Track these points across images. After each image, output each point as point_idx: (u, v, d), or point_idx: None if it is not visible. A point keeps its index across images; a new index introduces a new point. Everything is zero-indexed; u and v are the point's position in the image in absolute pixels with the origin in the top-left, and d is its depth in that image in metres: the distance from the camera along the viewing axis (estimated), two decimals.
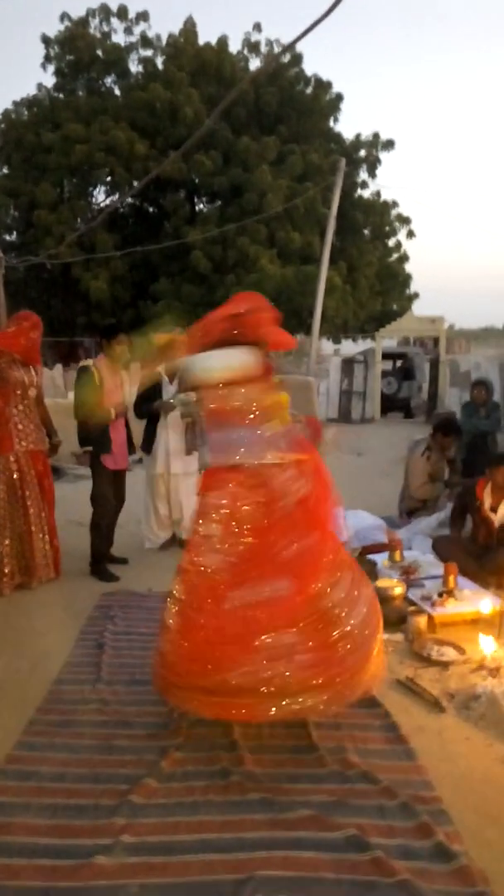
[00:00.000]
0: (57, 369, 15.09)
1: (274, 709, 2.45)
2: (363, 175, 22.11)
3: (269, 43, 22.02)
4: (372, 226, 22.29)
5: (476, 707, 2.87)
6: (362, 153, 21.93)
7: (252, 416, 2.75)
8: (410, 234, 23.15)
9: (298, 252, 19.18)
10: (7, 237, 22.31)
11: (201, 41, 21.55)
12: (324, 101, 21.71)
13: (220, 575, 2.59)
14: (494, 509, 4.48)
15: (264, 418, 2.77)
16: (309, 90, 21.65)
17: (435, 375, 14.71)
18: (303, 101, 21.28)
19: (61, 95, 21.85)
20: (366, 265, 21.08)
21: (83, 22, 21.61)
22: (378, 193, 22.48)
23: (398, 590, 3.84)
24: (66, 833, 2.15)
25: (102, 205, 21.89)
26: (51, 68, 21.93)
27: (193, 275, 19.42)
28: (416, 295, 23.94)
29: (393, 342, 17.67)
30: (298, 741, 2.66)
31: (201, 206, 22.16)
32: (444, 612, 3.75)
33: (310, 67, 27.38)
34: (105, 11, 21.67)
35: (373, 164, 22.04)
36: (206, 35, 23.66)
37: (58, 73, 21.90)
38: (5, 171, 21.61)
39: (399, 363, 16.77)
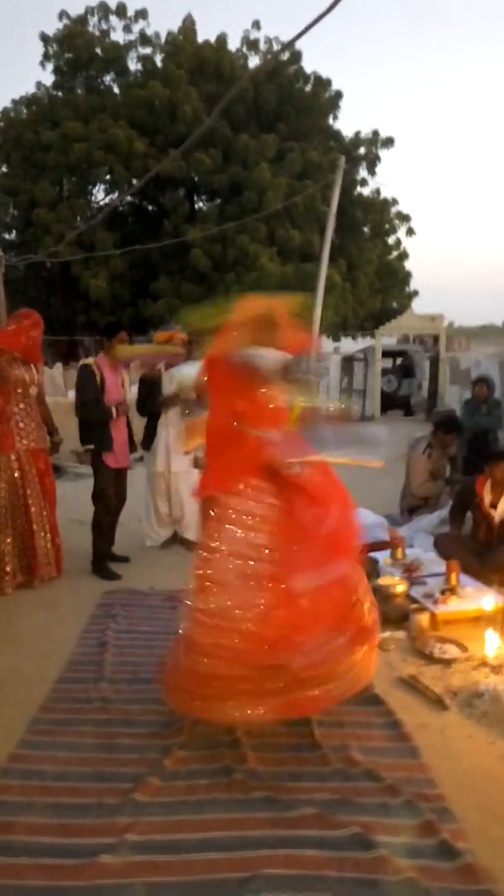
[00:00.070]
0: (57, 368, 15.06)
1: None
2: (363, 173, 22.09)
3: (269, 41, 21.99)
4: (371, 223, 22.27)
5: (479, 705, 2.87)
6: (362, 151, 21.90)
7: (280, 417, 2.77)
8: (410, 232, 23.13)
9: (298, 250, 19.15)
10: (6, 236, 22.28)
11: (200, 39, 21.51)
12: (323, 98, 21.67)
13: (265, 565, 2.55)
14: (494, 506, 4.49)
15: (287, 421, 2.78)
16: (308, 88, 21.62)
17: (435, 373, 14.69)
18: (302, 99, 21.24)
19: (60, 94, 21.80)
20: (365, 263, 21.07)
21: (82, 20, 21.56)
22: (378, 191, 22.48)
23: (400, 587, 3.84)
24: (69, 832, 2.15)
25: (102, 203, 21.87)
26: (49, 66, 21.90)
27: (193, 273, 19.40)
28: (415, 293, 23.92)
29: (392, 340, 17.62)
30: (301, 739, 2.66)
31: (201, 204, 22.14)
32: (446, 609, 3.75)
33: (309, 65, 27.38)
34: (104, 9, 21.62)
35: (372, 162, 22.01)
36: (205, 33, 23.65)
37: (56, 71, 21.86)
38: (4, 169, 21.57)
39: (399, 361, 16.75)
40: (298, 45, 22.17)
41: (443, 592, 3.87)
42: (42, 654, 3.48)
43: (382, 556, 4.47)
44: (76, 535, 5.13)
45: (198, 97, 19.65)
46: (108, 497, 4.72)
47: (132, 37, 21.82)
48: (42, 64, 21.96)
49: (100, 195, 22.51)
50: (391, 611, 3.73)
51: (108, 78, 22.04)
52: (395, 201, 22.66)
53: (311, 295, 11.93)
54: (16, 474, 4.34)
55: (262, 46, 21.93)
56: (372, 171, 22.14)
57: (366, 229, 22.18)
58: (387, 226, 22.81)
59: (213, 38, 21.35)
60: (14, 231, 22.38)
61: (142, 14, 21.79)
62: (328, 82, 21.72)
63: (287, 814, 2.23)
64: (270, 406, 2.73)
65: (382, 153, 22.02)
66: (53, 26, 30.85)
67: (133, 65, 21.93)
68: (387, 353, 16.11)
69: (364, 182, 22.14)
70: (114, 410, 4.59)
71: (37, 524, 4.41)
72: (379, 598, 3.72)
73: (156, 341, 5.33)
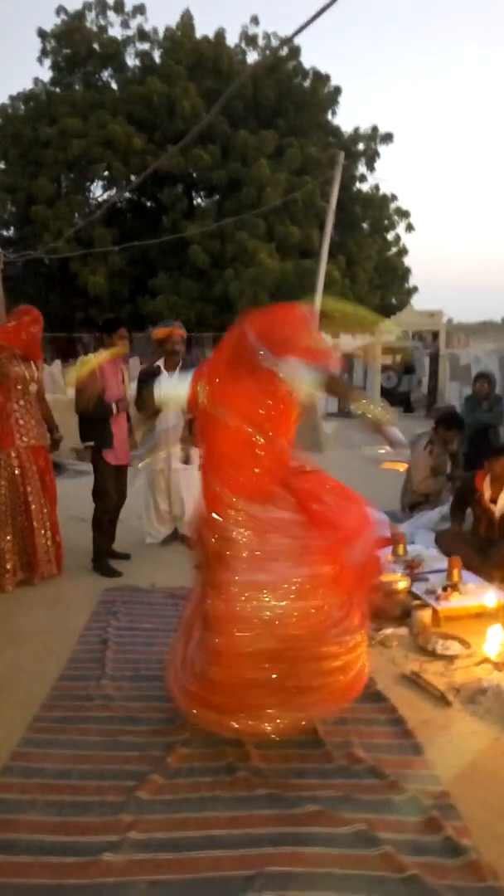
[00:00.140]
0: (56, 365, 15.02)
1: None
2: (362, 168, 22.08)
3: (267, 36, 21.96)
4: (371, 219, 22.28)
5: (482, 701, 2.86)
6: (361, 146, 21.88)
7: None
8: (409, 228, 23.13)
9: (297, 246, 19.15)
10: (4, 232, 22.28)
11: (198, 34, 21.46)
12: (322, 94, 21.66)
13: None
14: (494, 501, 4.48)
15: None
16: (307, 83, 21.59)
17: (434, 369, 14.68)
18: (301, 95, 21.23)
19: (58, 90, 21.77)
20: (364, 259, 21.07)
21: (79, 16, 21.52)
22: (377, 187, 22.47)
23: (402, 584, 3.83)
24: (72, 830, 2.14)
25: (100, 199, 21.84)
26: (47, 62, 21.87)
27: (192, 269, 19.39)
28: (414, 289, 23.94)
29: (391, 336, 17.61)
30: (304, 736, 2.64)
31: (199, 200, 22.11)
32: (448, 606, 3.73)
33: (307, 60, 27.22)
34: (101, 5, 21.58)
35: (371, 158, 22.00)
36: (204, 28, 23.57)
37: (54, 67, 21.84)
38: (2, 166, 21.56)
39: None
40: (297, 40, 22.12)
41: (445, 589, 3.85)
42: (43, 651, 3.46)
43: (384, 553, 4.45)
44: (76, 532, 5.12)
45: (196, 93, 19.62)
46: (109, 494, 4.70)
47: (130, 32, 21.82)
48: (40, 60, 21.96)
49: (98, 192, 22.50)
50: (393, 607, 3.72)
51: (105, 74, 22.04)
52: (394, 197, 22.68)
53: (310, 292, 11.93)
54: (16, 471, 4.33)
55: (261, 42, 21.91)
56: (371, 167, 22.14)
57: (365, 225, 22.19)
58: (386, 222, 22.82)
59: (211, 34, 21.33)
60: (12, 228, 22.37)
61: (140, 10, 21.80)
62: (327, 78, 21.71)
63: (291, 811, 2.22)
64: (287, 411, 2.68)
65: (381, 149, 22.06)
66: (51, 22, 30.73)
67: (131, 61, 21.92)
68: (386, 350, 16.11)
69: (363, 178, 22.17)
70: (114, 407, 4.57)
71: (37, 521, 4.39)
72: (381, 594, 3.73)
73: (155, 338, 5.31)
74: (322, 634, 2.41)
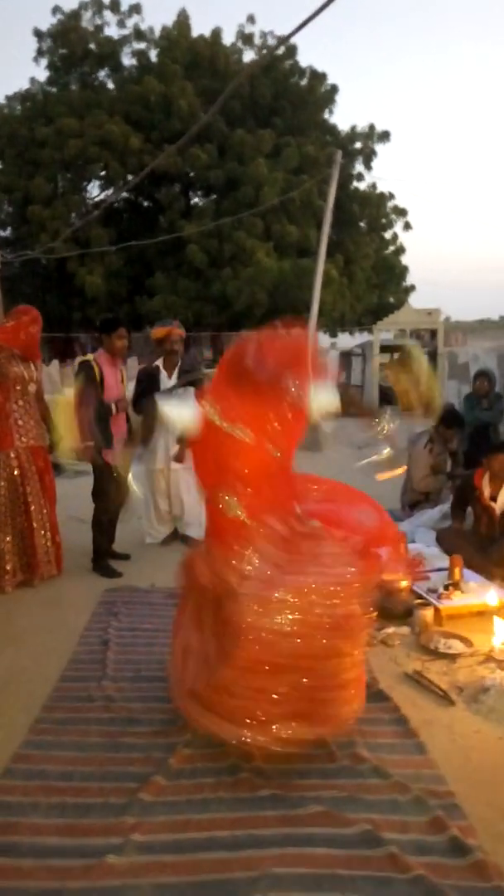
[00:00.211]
0: (53, 365, 15.02)
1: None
2: (359, 167, 22.06)
3: (263, 35, 21.93)
4: (368, 218, 22.25)
5: (485, 700, 2.85)
6: (358, 145, 21.86)
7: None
8: (407, 227, 23.12)
9: (295, 245, 19.12)
10: (1, 233, 22.23)
11: (195, 33, 21.43)
12: (319, 92, 21.62)
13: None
14: (494, 498, 4.48)
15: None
16: (304, 82, 21.56)
17: (433, 368, 14.68)
18: (298, 93, 21.20)
19: (54, 90, 21.72)
20: (362, 258, 21.04)
21: (75, 15, 21.46)
22: (374, 185, 22.45)
23: (404, 582, 3.81)
24: (75, 832, 2.12)
25: (97, 199, 21.80)
26: (43, 62, 21.82)
27: (189, 269, 19.36)
28: (412, 287, 23.91)
29: (389, 335, 17.62)
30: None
31: (197, 199, 22.07)
32: (450, 604, 3.73)
33: (304, 59, 27.23)
34: (97, 4, 21.53)
35: (368, 156, 21.98)
36: (200, 27, 23.52)
37: (50, 66, 21.78)
38: None
39: (397, 356, 16.72)
40: (294, 39, 22.12)
41: (446, 587, 3.85)
42: (43, 652, 3.45)
43: (385, 552, 4.43)
44: (76, 532, 5.10)
45: (193, 92, 19.58)
46: (108, 494, 4.69)
47: (126, 32, 21.76)
48: (36, 60, 21.89)
49: (95, 191, 22.47)
50: (395, 606, 3.71)
51: (102, 73, 21.98)
52: (391, 196, 22.65)
53: (307, 291, 11.92)
54: (15, 472, 4.31)
55: (257, 41, 21.88)
56: (368, 166, 22.12)
57: (362, 224, 22.16)
58: (383, 220, 22.79)
59: (207, 33, 21.29)
60: (9, 228, 22.32)
61: (136, 9, 21.72)
62: (324, 76, 21.67)
63: (295, 812, 2.20)
64: (299, 426, 2.68)
65: (378, 147, 22.02)
66: (47, 21, 30.68)
67: (127, 60, 21.87)
68: (385, 348, 16.10)
69: (360, 177, 22.13)
70: (113, 407, 4.56)
71: (37, 522, 4.37)
72: (382, 593, 3.72)
73: (153, 337, 5.29)
74: (339, 646, 2.39)
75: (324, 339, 21.14)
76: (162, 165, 16.64)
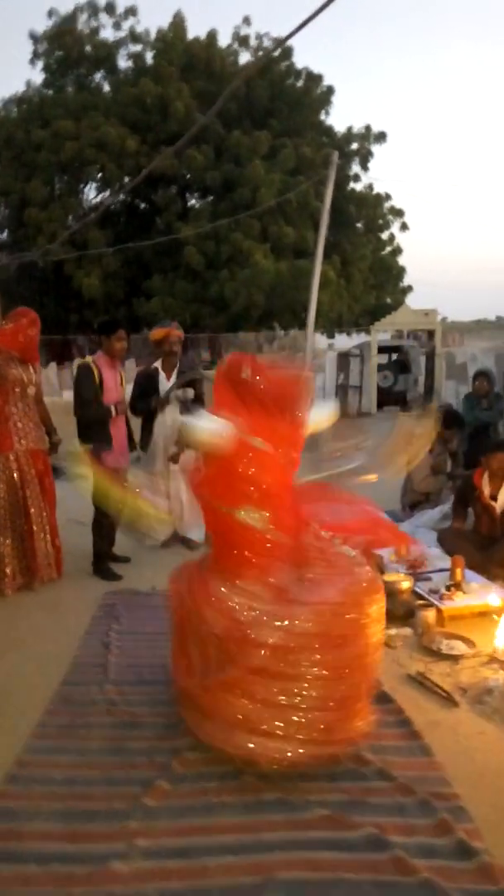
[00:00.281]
0: (51, 367, 14.98)
1: None
2: (356, 168, 22.07)
3: (259, 37, 21.95)
4: (365, 219, 22.26)
5: (489, 701, 2.84)
6: (354, 146, 21.87)
7: None
8: (404, 227, 23.14)
9: (292, 246, 19.12)
10: None
11: (191, 36, 21.43)
12: (315, 94, 21.63)
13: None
14: (494, 497, 4.47)
15: None
16: (300, 83, 21.57)
17: (431, 368, 14.68)
18: (294, 95, 21.20)
19: (50, 92, 21.70)
20: (359, 259, 21.05)
21: (71, 18, 21.45)
22: (371, 186, 22.47)
23: (406, 584, 3.80)
24: (79, 838, 2.11)
25: (94, 202, 21.79)
26: (39, 65, 21.79)
27: (186, 271, 19.34)
28: (409, 288, 23.93)
29: (387, 335, 17.60)
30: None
31: (193, 201, 22.07)
32: (452, 605, 3.72)
33: (300, 60, 27.18)
34: (93, 7, 21.52)
35: (365, 157, 22.00)
36: (196, 30, 23.54)
37: (46, 69, 21.76)
38: None
39: (395, 356, 16.73)
40: (289, 41, 22.10)
41: (448, 588, 3.84)
42: (44, 656, 3.43)
43: (387, 553, 4.43)
44: (76, 535, 5.08)
45: (189, 94, 19.58)
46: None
47: (122, 34, 21.75)
48: (32, 62, 21.86)
49: (91, 194, 22.46)
50: (397, 607, 3.70)
51: (98, 76, 21.96)
52: (388, 196, 22.67)
53: (305, 292, 11.91)
54: (15, 475, 4.29)
55: (253, 42, 21.89)
56: (365, 167, 22.14)
57: (359, 225, 22.16)
58: (380, 221, 22.80)
59: (202, 35, 21.30)
60: (6, 231, 22.29)
61: (131, 11, 21.71)
62: (319, 78, 21.69)
63: (300, 816, 2.19)
64: (301, 437, 2.71)
65: (375, 148, 22.04)
66: (42, 24, 30.69)
67: (123, 62, 21.86)
68: (383, 349, 16.09)
69: (357, 178, 22.14)
70: (113, 409, 4.54)
71: (36, 525, 4.35)
72: (385, 594, 3.71)
73: (152, 339, 5.28)
74: (347, 656, 2.38)
75: (321, 341, 21.17)
76: (158, 167, 16.62)
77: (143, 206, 22.12)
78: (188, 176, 20.58)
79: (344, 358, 15.49)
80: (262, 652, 2.29)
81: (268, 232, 19.17)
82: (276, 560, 2.52)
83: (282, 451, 2.61)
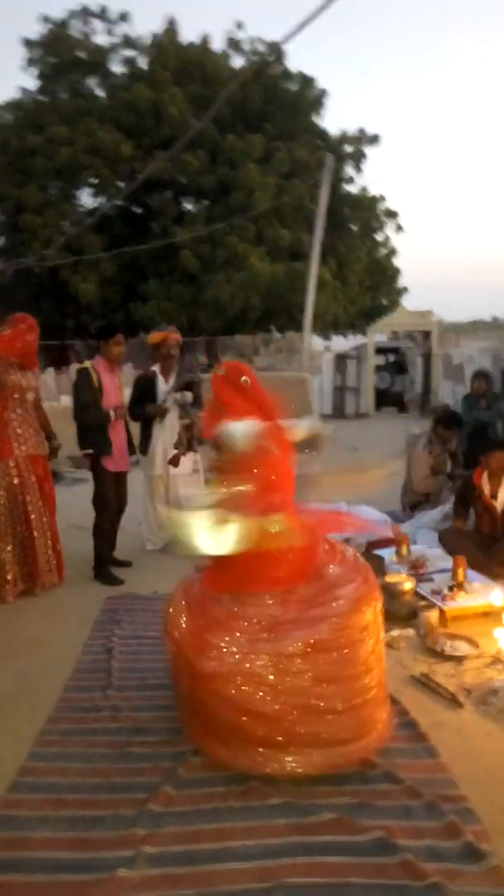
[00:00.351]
0: (49, 373, 14.95)
1: None
2: (350, 170, 22.14)
3: (252, 41, 22.01)
4: (360, 221, 22.32)
5: (494, 702, 2.83)
6: (348, 149, 21.94)
7: None
8: (399, 229, 23.21)
9: (287, 249, 19.16)
10: None
11: (184, 40, 21.49)
12: (308, 97, 21.70)
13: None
14: (494, 496, 4.47)
15: None
16: (293, 87, 21.63)
17: (428, 369, 14.69)
18: (287, 98, 21.27)
19: (45, 98, 21.72)
20: (354, 261, 21.10)
21: (64, 23, 21.49)
22: (365, 188, 22.54)
23: (408, 585, 3.79)
24: (85, 846, 2.09)
25: (89, 207, 21.81)
26: (33, 71, 21.82)
27: (182, 275, 19.38)
28: (405, 289, 24.00)
29: (383, 337, 17.62)
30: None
31: (189, 205, 22.10)
32: (455, 605, 3.71)
33: (293, 63, 27.24)
34: (85, 12, 21.56)
35: (358, 160, 22.06)
36: (189, 34, 23.60)
37: (40, 75, 21.78)
38: None
39: (392, 358, 16.74)
40: (283, 44, 22.13)
41: (450, 588, 3.83)
42: (46, 662, 3.41)
43: (388, 554, 4.42)
44: (77, 540, 5.07)
45: (183, 98, 19.62)
46: (109, 501, 4.66)
47: (115, 40, 21.80)
48: (25, 68, 21.89)
49: (86, 199, 22.47)
50: (399, 608, 3.69)
51: (92, 81, 21.99)
52: (382, 198, 22.74)
53: (300, 294, 11.92)
54: (15, 481, 4.28)
55: (246, 47, 21.95)
56: (359, 169, 22.21)
57: (354, 227, 22.21)
58: (375, 223, 22.87)
59: (195, 40, 21.36)
60: (2, 237, 22.29)
61: (124, 17, 21.76)
62: (313, 81, 21.75)
63: (307, 820, 2.18)
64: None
65: (369, 150, 22.12)
66: (35, 30, 30.66)
67: (117, 68, 21.90)
68: (380, 350, 16.11)
69: (351, 180, 22.20)
70: (112, 414, 4.53)
71: (37, 531, 4.34)
72: (387, 595, 3.70)
73: (150, 342, 5.28)
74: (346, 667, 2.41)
75: (318, 343, 21.21)
76: (153, 172, 16.67)
77: (138, 210, 22.16)
78: (183, 180, 20.62)
79: (341, 360, 15.50)
80: (259, 695, 2.33)
81: (263, 235, 19.22)
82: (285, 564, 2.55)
83: (283, 454, 2.66)
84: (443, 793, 2.30)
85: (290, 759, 2.35)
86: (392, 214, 23.08)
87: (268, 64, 20.30)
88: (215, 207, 19.93)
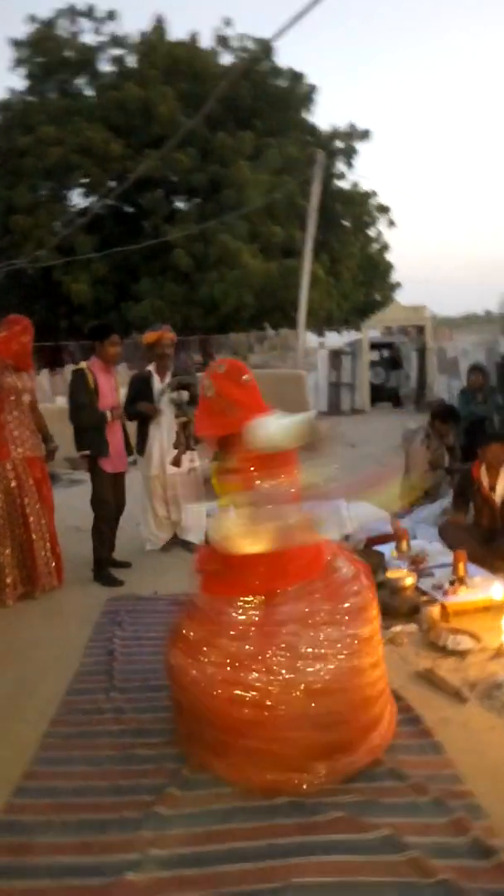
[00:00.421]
0: (43, 374, 14.91)
1: None
2: (341, 166, 22.13)
3: (241, 38, 21.96)
4: (352, 216, 22.32)
5: (499, 696, 2.82)
6: (339, 144, 21.93)
7: None
8: (391, 224, 23.23)
9: (280, 246, 19.14)
10: None
11: (173, 38, 21.44)
12: (298, 93, 21.67)
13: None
14: (493, 488, 4.47)
15: None
16: (283, 83, 21.61)
17: (422, 364, 14.69)
18: (277, 94, 21.25)
19: (33, 98, 21.64)
20: (347, 257, 21.12)
21: (51, 23, 21.41)
22: (356, 184, 22.55)
23: (409, 580, 3.78)
24: (92, 850, 2.08)
25: (80, 207, 21.74)
26: (21, 71, 21.74)
27: (175, 273, 19.34)
28: (398, 284, 24.02)
29: (377, 332, 17.62)
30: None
31: (180, 203, 22.05)
32: (456, 600, 3.70)
33: (282, 58, 27.19)
34: (72, 12, 21.49)
35: (349, 155, 22.06)
36: (177, 32, 23.55)
37: (29, 75, 21.70)
38: None
39: (386, 353, 16.74)
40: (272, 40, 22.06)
41: (452, 583, 3.82)
42: (48, 665, 3.40)
43: (388, 549, 4.42)
44: (75, 542, 5.04)
45: (172, 96, 19.57)
46: (107, 502, 4.64)
47: (103, 38, 21.73)
48: (13, 69, 21.81)
49: (77, 199, 22.41)
50: (401, 604, 3.69)
51: (81, 81, 21.93)
52: (373, 193, 22.74)
53: (294, 291, 11.90)
54: (12, 484, 4.25)
55: (235, 44, 21.90)
56: (350, 165, 22.20)
57: (346, 223, 22.21)
58: (367, 218, 22.88)
59: (183, 37, 21.31)
60: None
61: (111, 15, 21.70)
62: (302, 77, 21.73)
63: (313, 818, 2.17)
64: None
65: (360, 146, 22.11)
66: (22, 30, 30.57)
67: (105, 66, 21.84)
68: (374, 346, 16.10)
69: (342, 176, 22.20)
70: (108, 414, 4.51)
71: (36, 533, 4.32)
72: (388, 591, 3.70)
73: (145, 342, 5.25)
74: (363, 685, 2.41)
75: (312, 339, 21.18)
76: (144, 170, 16.62)
77: (129, 209, 22.10)
78: (174, 178, 20.58)
79: (336, 356, 15.48)
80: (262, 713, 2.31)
81: (256, 232, 19.20)
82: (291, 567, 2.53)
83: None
84: (449, 789, 2.29)
85: (297, 776, 2.33)
86: (384, 210, 23.11)
87: (259, 61, 20.26)
88: (207, 205, 19.91)
